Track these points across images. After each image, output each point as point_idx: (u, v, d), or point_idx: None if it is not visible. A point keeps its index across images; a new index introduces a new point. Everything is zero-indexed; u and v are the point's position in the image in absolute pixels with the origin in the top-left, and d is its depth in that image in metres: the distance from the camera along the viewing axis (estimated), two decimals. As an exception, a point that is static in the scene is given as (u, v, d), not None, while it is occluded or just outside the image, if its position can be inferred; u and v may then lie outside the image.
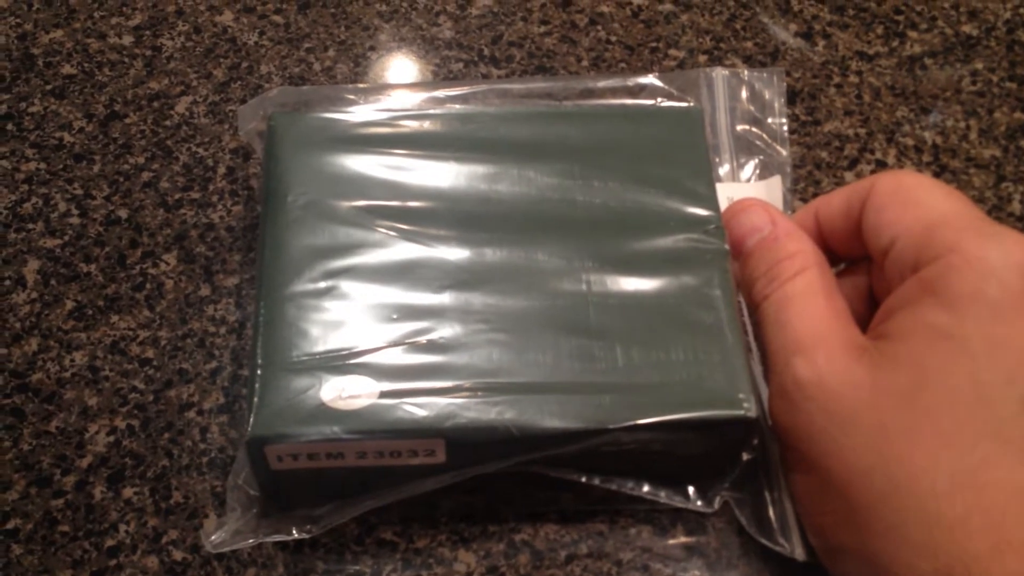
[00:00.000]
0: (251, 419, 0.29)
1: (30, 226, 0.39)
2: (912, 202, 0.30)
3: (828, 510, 0.29)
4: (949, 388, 0.27)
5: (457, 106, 0.37)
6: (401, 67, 0.44)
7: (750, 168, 0.38)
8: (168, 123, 0.42)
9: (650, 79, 0.39)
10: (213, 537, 0.31)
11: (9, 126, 0.42)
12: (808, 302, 0.30)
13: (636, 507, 0.33)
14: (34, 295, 0.37)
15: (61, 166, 0.41)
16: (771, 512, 0.31)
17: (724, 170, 0.38)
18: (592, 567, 0.32)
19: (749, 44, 0.45)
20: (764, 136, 0.39)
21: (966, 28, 0.46)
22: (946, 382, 0.27)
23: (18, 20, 0.45)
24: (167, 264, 0.38)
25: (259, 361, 0.30)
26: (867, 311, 0.32)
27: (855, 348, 0.29)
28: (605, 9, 0.46)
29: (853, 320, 0.30)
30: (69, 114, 0.42)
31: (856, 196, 0.32)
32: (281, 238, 0.32)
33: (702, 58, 0.45)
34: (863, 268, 0.33)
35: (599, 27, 0.45)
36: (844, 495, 0.28)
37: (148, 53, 0.44)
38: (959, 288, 0.27)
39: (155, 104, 0.42)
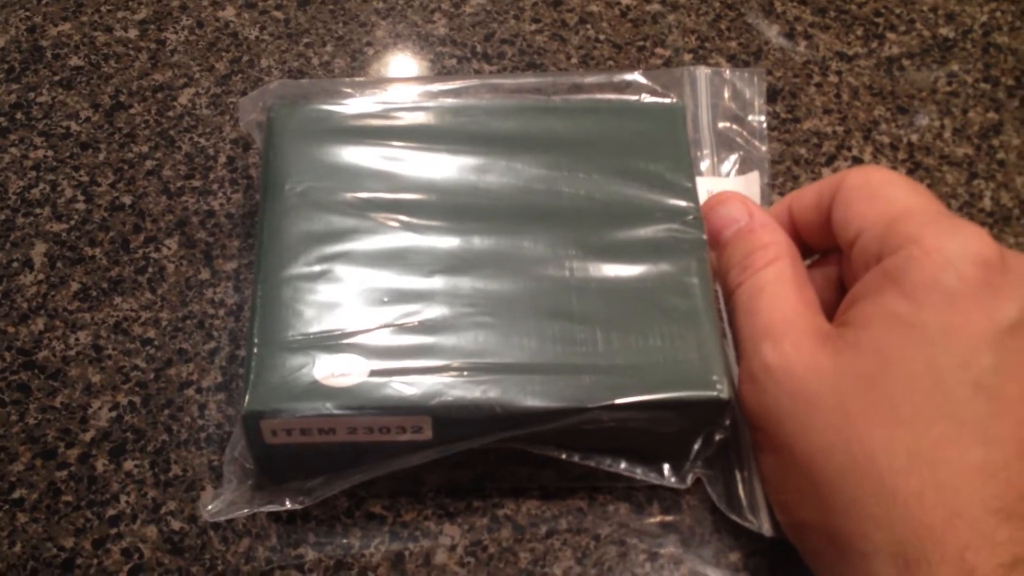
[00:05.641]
0: (247, 395, 0.30)
1: (37, 211, 0.40)
2: (878, 196, 0.31)
3: (793, 488, 0.30)
4: (907, 372, 0.28)
5: (449, 100, 0.38)
6: (397, 62, 0.46)
7: (730, 163, 0.39)
8: (171, 114, 0.43)
9: (635, 76, 0.40)
10: (210, 507, 0.32)
11: (18, 115, 0.43)
12: (778, 291, 0.31)
13: (614, 484, 0.34)
14: (41, 277, 0.39)
15: (68, 154, 0.42)
16: (741, 490, 0.33)
17: (705, 165, 0.39)
18: (571, 541, 0.34)
19: (733, 44, 0.46)
20: (744, 133, 0.40)
21: (943, 31, 0.48)
22: (904, 367, 0.28)
23: (28, 13, 0.46)
24: (169, 249, 0.39)
25: (255, 340, 0.31)
26: (837, 300, 0.33)
27: (820, 335, 0.30)
28: (595, 8, 0.47)
29: (820, 308, 0.31)
30: (76, 104, 0.43)
31: (826, 191, 0.33)
32: (278, 224, 0.34)
33: (688, 57, 0.46)
34: (834, 259, 0.34)
35: (588, 26, 0.47)
36: (807, 473, 0.29)
37: (153, 46, 0.45)
38: (918, 278, 0.29)
39: (159, 95, 0.44)
